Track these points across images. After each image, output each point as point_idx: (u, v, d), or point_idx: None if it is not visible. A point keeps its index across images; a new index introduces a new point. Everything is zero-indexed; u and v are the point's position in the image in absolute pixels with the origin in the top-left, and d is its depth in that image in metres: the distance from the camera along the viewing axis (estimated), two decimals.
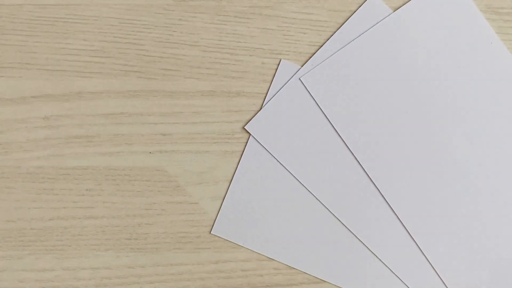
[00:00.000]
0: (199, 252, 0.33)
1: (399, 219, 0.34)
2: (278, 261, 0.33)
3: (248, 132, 0.35)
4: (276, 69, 0.36)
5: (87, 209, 0.34)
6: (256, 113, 0.35)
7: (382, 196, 0.34)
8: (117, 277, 0.33)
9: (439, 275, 0.33)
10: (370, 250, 0.34)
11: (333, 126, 0.35)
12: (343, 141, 0.35)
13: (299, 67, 0.36)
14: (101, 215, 0.34)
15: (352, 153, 0.35)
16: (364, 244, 0.34)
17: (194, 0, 0.37)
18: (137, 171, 0.35)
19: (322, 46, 0.36)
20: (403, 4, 0.37)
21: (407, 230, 0.34)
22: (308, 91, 0.35)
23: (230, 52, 0.36)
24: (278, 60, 0.36)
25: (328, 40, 0.36)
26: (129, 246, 0.33)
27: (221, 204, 0.34)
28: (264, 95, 0.36)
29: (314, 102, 0.35)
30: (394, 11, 0.37)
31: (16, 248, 0.33)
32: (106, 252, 0.33)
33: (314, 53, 0.36)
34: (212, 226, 0.34)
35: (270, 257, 0.33)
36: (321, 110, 0.35)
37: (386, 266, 0.33)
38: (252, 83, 0.36)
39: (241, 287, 0.33)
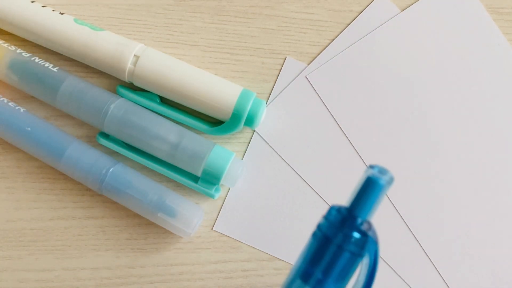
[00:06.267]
0: (199, 252, 0.33)
1: (401, 217, 0.34)
2: (280, 259, 0.33)
3: (249, 132, 0.35)
4: (281, 69, 0.36)
5: (87, 209, 0.34)
6: None
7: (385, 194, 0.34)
8: (117, 277, 0.33)
9: (441, 275, 0.33)
10: None
11: (338, 125, 0.35)
12: (349, 140, 0.35)
13: (305, 65, 0.36)
14: (101, 215, 0.34)
15: (357, 152, 0.35)
16: None
17: (194, 0, 0.37)
18: None
19: (324, 45, 0.36)
20: (411, 4, 0.37)
21: (409, 229, 0.34)
22: (314, 89, 0.35)
23: (230, 52, 0.36)
24: (278, 60, 0.36)
25: (334, 39, 0.36)
26: (129, 246, 0.33)
27: (222, 205, 0.34)
28: (267, 95, 0.36)
29: (320, 100, 0.35)
30: (402, 10, 0.37)
31: (16, 248, 0.33)
32: (106, 252, 0.33)
33: (315, 52, 0.36)
34: (213, 225, 0.34)
35: (273, 255, 0.33)
36: (327, 108, 0.35)
37: (389, 265, 0.33)
38: (252, 83, 0.36)
39: (241, 287, 0.33)
